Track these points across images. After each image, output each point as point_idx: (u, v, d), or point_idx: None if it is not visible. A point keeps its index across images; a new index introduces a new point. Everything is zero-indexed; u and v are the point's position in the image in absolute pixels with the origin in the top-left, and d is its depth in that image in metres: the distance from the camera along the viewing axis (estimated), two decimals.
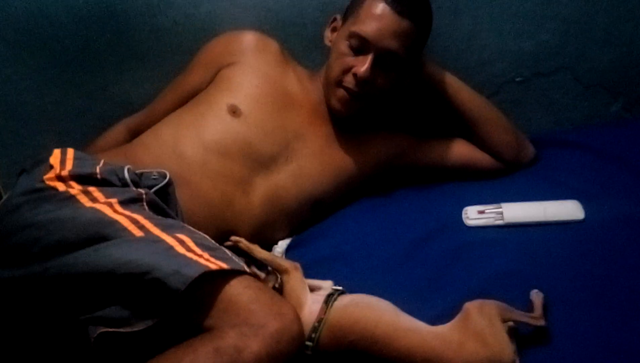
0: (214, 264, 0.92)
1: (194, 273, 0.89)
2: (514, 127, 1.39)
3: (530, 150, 1.40)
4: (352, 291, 1.10)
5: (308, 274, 1.14)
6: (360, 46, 1.23)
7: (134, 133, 1.39)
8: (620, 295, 1.07)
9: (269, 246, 1.25)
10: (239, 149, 1.24)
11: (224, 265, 0.93)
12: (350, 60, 1.25)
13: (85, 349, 0.94)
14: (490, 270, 1.13)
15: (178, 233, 0.99)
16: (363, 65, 1.22)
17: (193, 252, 0.95)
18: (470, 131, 1.38)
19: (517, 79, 1.52)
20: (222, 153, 1.23)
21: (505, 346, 0.96)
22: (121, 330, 0.90)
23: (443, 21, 1.40)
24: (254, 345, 0.87)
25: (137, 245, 0.95)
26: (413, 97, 1.44)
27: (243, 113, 1.26)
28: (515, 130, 1.39)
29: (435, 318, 1.04)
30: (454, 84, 1.35)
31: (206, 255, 0.95)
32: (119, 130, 1.46)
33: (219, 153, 1.23)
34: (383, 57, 1.23)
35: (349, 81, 1.26)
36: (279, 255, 1.25)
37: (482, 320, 0.98)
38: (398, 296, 1.10)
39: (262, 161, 1.26)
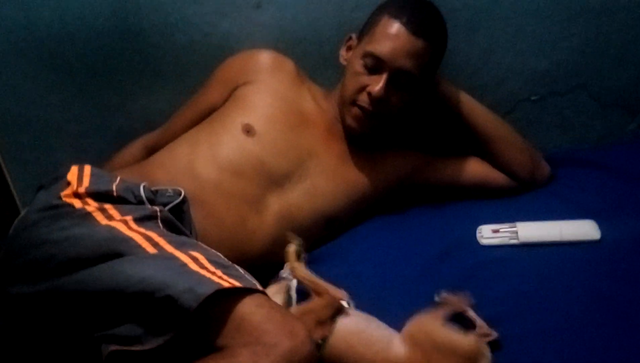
0: (227, 282, 0.92)
1: (207, 290, 0.89)
2: (530, 146, 1.39)
3: (545, 169, 1.40)
4: (363, 310, 1.11)
5: None
6: (375, 65, 1.24)
7: (151, 150, 1.40)
8: (638, 316, 1.06)
9: (281, 265, 1.25)
10: (252, 169, 1.25)
11: (237, 283, 0.93)
12: (365, 79, 1.26)
13: None
14: (505, 290, 1.12)
15: (191, 250, 0.99)
16: (377, 84, 1.23)
17: (206, 269, 0.95)
18: (484, 149, 1.38)
19: (533, 98, 1.52)
20: (236, 172, 1.24)
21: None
22: (132, 348, 0.90)
23: (459, 39, 1.40)
24: None
25: (151, 262, 0.95)
26: (427, 115, 1.44)
27: (257, 132, 1.27)
28: (530, 149, 1.38)
29: None
30: (469, 102, 1.36)
31: (219, 273, 0.95)
32: (136, 147, 1.47)
33: (233, 172, 1.24)
34: (397, 77, 1.24)
35: (363, 99, 1.27)
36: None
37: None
38: (409, 315, 1.09)
39: (275, 180, 1.27)
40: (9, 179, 1.60)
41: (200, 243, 1.07)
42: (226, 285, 0.92)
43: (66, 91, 1.48)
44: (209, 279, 0.92)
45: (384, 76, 1.23)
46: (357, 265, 1.26)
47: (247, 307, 0.93)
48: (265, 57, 1.37)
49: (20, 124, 1.51)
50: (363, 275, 1.23)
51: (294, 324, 0.94)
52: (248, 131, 1.26)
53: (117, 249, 0.97)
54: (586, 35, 1.44)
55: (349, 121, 1.31)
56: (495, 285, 1.14)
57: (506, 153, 1.36)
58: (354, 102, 1.28)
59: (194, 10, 1.39)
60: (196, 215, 1.18)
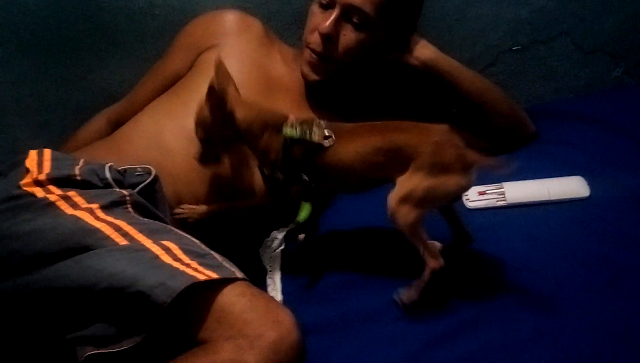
0: (202, 274, 0.88)
1: (180, 285, 0.85)
2: (515, 106, 1.34)
3: (530, 128, 1.36)
4: (345, 271, 1.10)
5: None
6: (328, 2, 1.19)
7: (115, 124, 1.34)
8: (629, 274, 1.04)
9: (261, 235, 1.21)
10: None
11: (213, 274, 0.89)
12: (319, 18, 1.20)
13: None
14: (494, 255, 1.09)
15: (165, 239, 0.94)
16: (326, 21, 1.18)
17: (180, 261, 0.90)
18: (468, 114, 1.32)
19: (515, 48, 1.47)
20: None
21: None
22: (109, 350, 0.86)
23: None
24: (251, 358, 0.83)
25: (120, 255, 0.90)
26: (404, 78, 1.37)
27: None
28: (515, 111, 1.34)
29: (436, 311, 1.01)
30: (453, 66, 1.28)
31: (194, 264, 0.90)
32: (98, 122, 1.40)
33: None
34: (349, 14, 1.18)
35: (314, 40, 1.21)
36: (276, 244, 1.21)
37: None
38: (395, 281, 1.06)
39: None
40: None
41: (174, 228, 1.02)
42: (202, 277, 0.87)
43: (19, 66, 1.39)
44: (183, 272, 0.88)
45: (334, 12, 1.17)
46: (337, 236, 1.21)
47: (227, 297, 0.89)
48: (230, 18, 1.29)
49: None
50: (343, 240, 1.20)
51: (279, 312, 0.91)
52: None
53: (83, 242, 0.92)
54: None
55: (303, 67, 1.25)
56: (484, 250, 1.10)
57: (490, 119, 1.31)
58: (307, 45, 1.23)
59: None
60: (168, 190, 1.13)
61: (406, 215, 0.97)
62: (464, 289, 1.04)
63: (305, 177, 1.03)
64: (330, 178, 1.04)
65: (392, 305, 1.03)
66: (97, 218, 0.96)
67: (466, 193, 1.22)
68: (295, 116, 1.05)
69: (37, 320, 0.94)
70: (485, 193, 1.21)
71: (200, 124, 1.06)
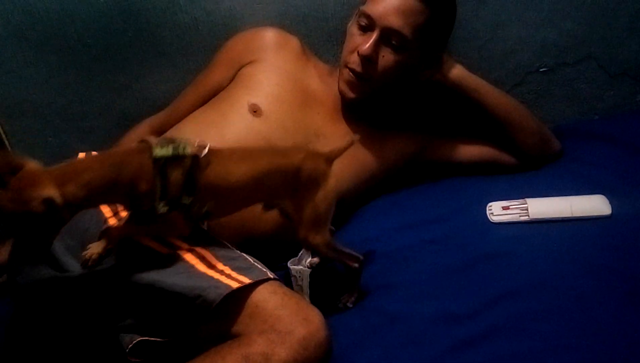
0: (235, 281, 0.94)
1: (216, 297, 0.91)
2: (540, 125, 1.37)
3: (555, 146, 1.39)
4: (372, 287, 1.13)
5: (331, 272, 1.15)
6: (367, 25, 1.23)
7: (158, 132, 1.40)
8: None
9: (290, 246, 1.25)
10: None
11: (246, 280, 0.94)
12: (358, 39, 1.24)
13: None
14: (516, 268, 1.12)
15: (199, 245, 1.00)
16: (366, 43, 1.22)
17: (214, 269, 0.96)
18: (494, 131, 1.36)
19: (542, 69, 1.50)
20: None
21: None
22: (156, 339, 0.92)
23: (467, 11, 1.38)
24: (282, 352, 0.88)
25: (159, 267, 0.97)
26: (433, 95, 1.42)
27: (264, 112, 1.25)
28: (541, 129, 1.37)
29: (459, 317, 1.05)
30: (479, 84, 1.33)
31: (227, 270, 0.96)
32: (142, 129, 1.46)
33: None
34: (388, 36, 1.21)
35: (353, 60, 1.25)
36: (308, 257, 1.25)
37: None
38: (421, 292, 1.11)
39: None
40: None
41: (207, 233, 1.07)
42: (235, 286, 0.93)
43: (68, 73, 1.46)
44: (217, 281, 0.94)
45: (374, 35, 1.21)
46: (364, 244, 1.24)
47: (260, 295, 0.95)
48: (270, 35, 1.35)
49: (24, 109, 1.49)
50: (370, 254, 1.22)
51: (309, 311, 0.95)
52: (255, 111, 1.25)
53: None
54: (595, 5, 1.42)
55: (341, 85, 1.29)
56: (507, 263, 1.14)
57: (516, 135, 1.34)
58: (346, 65, 1.27)
59: None
60: None
61: (322, 238, 1.02)
62: (487, 297, 1.07)
63: (187, 200, 0.94)
64: (216, 202, 0.99)
65: (417, 307, 1.07)
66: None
67: (490, 207, 1.26)
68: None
69: (83, 309, 1.01)
70: (509, 208, 1.24)
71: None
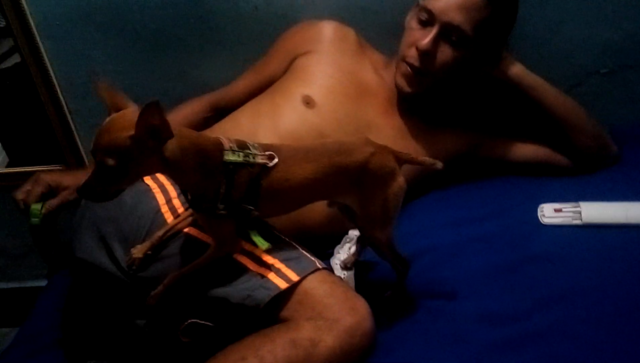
0: (284, 279, 0.97)
1: (265, 297, 0.95)
2: (598, 127, 1.34)
3: (612, 150, 1.36)
4: (417, 282, 1.13)
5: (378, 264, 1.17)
6: (428, 19, 1.22)
7: (214, 107, 1.43)
8: None
9: (340, 236, 1.26)
10: (312, 140, 1.24)
11: (294, 277, 0.97)
12: (417, 34, 1.24)
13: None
14: (566, 274, 1.11)
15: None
16: (426, 38, 1.21)
17: (265, 266, 0.99)
18: (551, 131, 1.34)
19: (602, 71, 1.46)
20: (296, 142, 1.25)
21: None
22: (207, 323, 0.96)
23: (528, 8, 1.36)
24: (329, 339, 0.91)
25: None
26: (491, 92, 1.40)
27: (317, 104, 1.26)
28: (598, 131, 1.34)
29: (503, 318, 1.05)
30: (539, 83, 1.31)
31: (277, 263, 0.99)
32: (201, 103, 1.46)
33: (293, 143, 1.25)
34: (448, 32, 1.21)
35: (411, 55, 1.25)
36: (350, 242, 1.26)
37: None
38: (466, 290, 1.12)
39: None
40: (78, 141, 1.65)
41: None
42: (283, 286, 0.96)
43: (130, 56, 1.51)
44: (266, 280, 0.97)
45: (434, 30, 1.21)
46: (414, 239, 1.26)
47: (310, 282, 0.97)
48: (327, 28, 1.36)
49: (88, 90, 1.55)
50: (420, 250, 1.23)
51: (356, 300, 0.97)
52: (308, 102, 1.26)
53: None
54: None
55: (398, 79, 1.29)
56: (556, 266, 1.13)
57: (573, 137, 1.32)
58: (404, 59, 1.27)
59: None
60: None
61: (386, 235, 1.02)
62: (533, 299, 1.07)
63: (249, 206, 0.95)
64: (276, 203, 0.99)
65: (462, 305, 1.08)
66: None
67: (542, 209, 1.25)
68: (229, 137, 0.99)
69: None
70: (562, 211, 1.23)
71: (109, 149, 0.86)
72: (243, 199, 0.94)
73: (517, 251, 1.18)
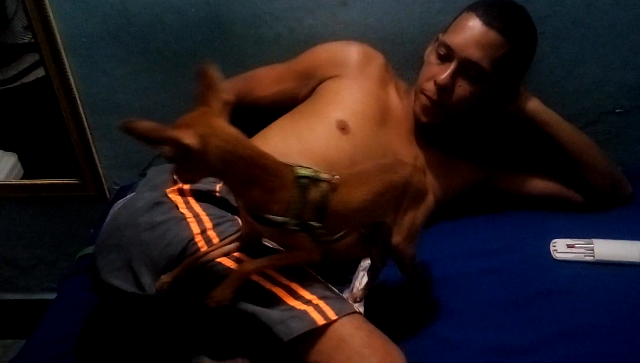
0: (321, 315, 0.93)
1: (300, 328, 0.91)
2: (613, 166, 1.35)
3: (627, 189, 1.37)
4: (427, 311, 1.13)
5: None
6: (446, 54, 1.24)
7: (239, 100, 1.41)
8: None
9: (355, 264, 1.26)
10: (343, 167, 1.23)
11: (332, 316, 0.93)
12: (436, 68, 1.26)
13: None
14: (577, 310, 1.11)
15: (286, 277, 0.99)
16: (444, 73, 1.23)
17: (302, 300, 0.95)
18: (565, 167, 1.36)
19: (618, 111, 1.48)
20: (329, 169, 1.25)
21: None
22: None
23: (546, 46, 1.38)
24: None
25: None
26: (508, 126, 1.42)
27: (351, 131, 1.26)
28: (613, 170, 1.35)
29: (512, 351, 1.05)
30: (555, 119, 1.32)
31: (315, 300, 0.95)
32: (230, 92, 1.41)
33: (325, 169, 1.25)
34: (466, 68, 1.22)
35: (429, 88, 1.26)
36: (364, 272, 1.25)
37: None
38: (476, 321, 1.12)
39: None
40: (95, 156, 1.68)
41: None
42: (321, 322, 0.92)
43: (152, 76, 1.54)
44: (304, 312, 0.93)
45: (452, 65, 1.23)
46: (423, 269, 1.25)
47: (346, 328, 0.94)
48: (356, 51, 1.36)
49: (109, 106, 1.59)
50: (429, 281, 1.22)
51: (395, 352, 0.94)
52: (343, 128, 1.26)
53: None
54: None
55: (417, 109, 1.31)
56: (567, 301, 1.13)
57: (587, 174, 1.33)
58: (422, 91, 1.28)
59: (281, 5, 1.41)
60: None
61: (411, 250, 1.03)
62: (543, 334, 1.07)
63: (316, 223, 0.93)
64: (336, 226, 0.98)
65: (471, 336, 1.08)
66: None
67: (555, 244, 1.25)
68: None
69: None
70: (574, 247, 1.23)
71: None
72: (313, 215, 0.93)
73: (529, 285, 1.18)
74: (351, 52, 1.36)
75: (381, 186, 0.99)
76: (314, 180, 0.93)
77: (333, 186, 0.94)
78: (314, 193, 0.92)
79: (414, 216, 1.02)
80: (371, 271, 1.16)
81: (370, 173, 1.01)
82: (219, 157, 0.86)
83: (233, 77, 1.45)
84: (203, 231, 1.04)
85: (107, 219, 1.19)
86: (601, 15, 1.37)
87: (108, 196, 1.76)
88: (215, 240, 1.03)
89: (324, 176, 0.94)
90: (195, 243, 1.02)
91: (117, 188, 1.71)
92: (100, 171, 1.70)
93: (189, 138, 0.83)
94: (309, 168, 0.95)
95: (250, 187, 0.90)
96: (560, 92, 1.44)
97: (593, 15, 1.37)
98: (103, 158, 1.69)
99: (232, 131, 0.89)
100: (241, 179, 0.89)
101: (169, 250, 1.01)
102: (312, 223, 0.92)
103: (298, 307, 0.94)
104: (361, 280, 1.19)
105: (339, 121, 1.26)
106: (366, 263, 1.23)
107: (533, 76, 1.37)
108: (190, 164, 0.86)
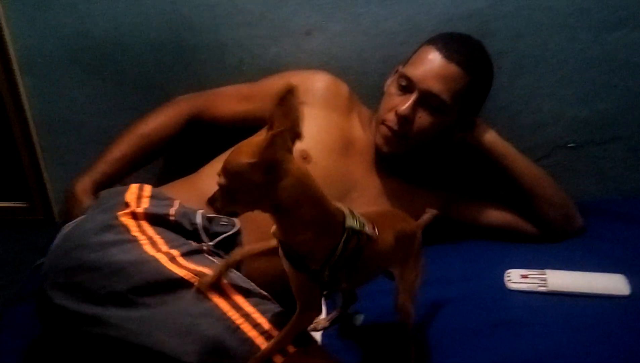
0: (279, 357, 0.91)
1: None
2: (565, 198, 1.39)
3: (578, 222, 1.40)
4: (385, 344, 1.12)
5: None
6: (407, 86, 1.26)
7: (194, 118, 1.40)
8: None
9: None
10: None
11: (291, 348, 0.91)
12: (397, 99, 1.28)
13: None
14: (533, 340, 1.12)
15: (244, 296, 0.97)
16: (405, 104, 1.25)
17: (259, 328, 0.93)
18: (518, 199, 1.39)
19: (570, 145, 1.53)
20: None
21: None
22: None
23: (503, 81, 1.43)
24: None
25: (201, 321, 0.94)
26: (463, 156, 1.45)
27: (313, 160, 1.26)
28: (565, 202, 1.39)
29: None
30: (510, 152, 1.36)
31: (271, 329, 0.93)
32: (180, 112, 1.41)
33: None
34: (426, 99, 1.25)
35: (390, 118, 1.28)
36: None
37: None
38: (435, 351, 1.12)
39: None
40: (46, 179, 1.64)
41: (251, 284, 1.04)
42: (278, 361, 0.90)
43: (112, 100, 1.52)
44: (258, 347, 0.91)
45: (413, 97, 1.25)
46: (380, 297, 1.23)
47: (303, 359, 0.91)
48: (323, 80, 1.37)
49: (65, 128, 1.55)
50: (386, 311, 1.21)
51: None
52: (304, 157, 1.25)
53: (166, 287, 0.97)
54: (629, 88, 1.46)
55: (378, 139, 1.32)
56: (523, 331, 1.14)
57: (540, 206, 1.37)
58: (383, 122, 1.30)
59: (246, 33, 1.42)
60: (249, 239, 1.17)
61: (413, 310, 1.01)
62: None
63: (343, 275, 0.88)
64: (360, 275, 0.93)
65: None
66: (179, 265, 1.01)
67: (509, 274, 1.27)
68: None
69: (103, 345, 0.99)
70: (528, 277, 1.25)
71: (225, 167, 0.82)
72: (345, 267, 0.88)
73: (485, 315, 1.19)
74: (318, 81, 1.37)
75: (399, 233, 0.96)
76: (359, 234, 0.87)
77: (371, 240, 0.90)
78: (352, 244, 0.87)
79: (417, 275, 1.01)
80: (343, 305, 1.15)
81: (387, 219, 0.98)
82: (290, 194, 0.80)
83: (193, 92, 1.44)
84: (172, 259, 1.02)
85: (55, 242, 1.15)
86: (556, 52, 1.42)
87: (57, 220, 1.70)
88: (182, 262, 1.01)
89: (369, 231, 0.89)
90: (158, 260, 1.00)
91: None
92: (51, 194, 1.65)
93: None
94: (354, 215, 0.89)
95: (305, 230, 0.83)
96: (516, 126, 1.48)
97: (549, 52, 1.42)
98: (54, 180, 1.64)
99: (304, 167, 0.85)
100: (300, 220, 0.83)
101: (120, 272, 0.99)
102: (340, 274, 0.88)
103: (253, 340, 0.92)
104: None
105: (301, 151, 1.25)
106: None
107: (490, 110, 1.41)
108: (245, 194, 0.81)
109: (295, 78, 1.37)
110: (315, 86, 1.36)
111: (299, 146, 1.23)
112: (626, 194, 1.57)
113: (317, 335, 1.13)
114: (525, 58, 1.43)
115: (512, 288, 1.25)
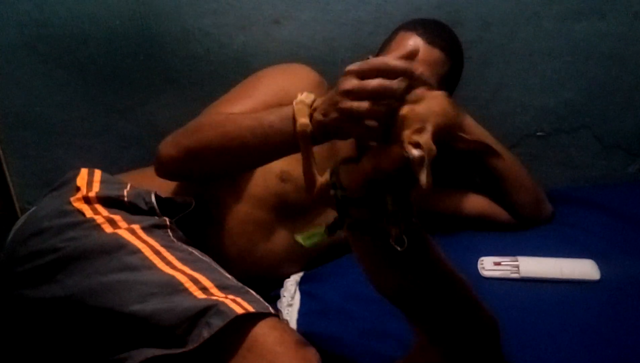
0: (240, 306, 0.92)
1: (220, 322, 0.89)
2: (535, 185, 1.40)
3: (548, 208, 1.41)
4: (363, 331, 1.11)
5: (323, 313, 1.15)
6: None
7: None
8: (636, 359, 1.06)
9: (280, 281, 1.26)
10: (275, 203, 1.25)
11: (250, 308, 0.93)
12: None
13: None
14: (504, 325, 1.11)
15: (202, 272, 0.98)
16: None
17: (217, 296, 0.94)
18: (491, 185, 1.39)
19: (538, 134, 1.54)
20: (259, 204, 1.24)
21: None
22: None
23: (472, 70, 1.43)
24: None
25: (156, 292, 0.94)
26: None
27: (292, 179, 1.23)
28: (536, 189, 1.40)
29: None
30: (484, 136, 1.36)
31: (232, 296, 0.95)
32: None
33: (255, 203, 1.24)
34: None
35: None
36: (292, 288, 1.24)
37: None
38: (410, 340, 1.10)
39: (293, 213, 1.26)
40: (7, 173, 1.58)
41: (211, 261, 1.06)
42: (239, 311, 0.91)
43: (74, 90, 1.47)
44: (223, 304, 0.92)
45: None
46: (356, 286, 1.23)
47: (260, 329, 0.93)
48: (307, 72, 1.28)
49: (25, 120, 1.50)
50: (361, 297, 1.20)
51: (307, 349, 0.94)
52: (283, 179, 1.23)
53: (123, 260, 0.97)
54: (595, 77, 1.48)
55: None
56: (498, 318, 1.14)
57: (513, 192, 1.37)
58: None
59: (212, 21, 1.39)
60: (212, 234, 1.19)
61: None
62: None
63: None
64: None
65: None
66: (139, 237, 1.01)
67: (482, 262, 1.28)
68: None
69: (72, 329, 0.97)
70: (501, 264, 1.26)
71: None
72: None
73: None
74: (305, 74, 1.27)
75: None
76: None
77: None
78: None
79: None
80: None
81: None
82: None
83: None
84: (132, 231, 1.01)
85: (9, 236, 1.12)
86: (524, 42, 1.44)
87: (19, 216, 1.65)
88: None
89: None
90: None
91: (30, 207, 1.61)
92: (12, 189, 1.60)
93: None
94: None
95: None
96: (486, 115, 1.48)
97: (516, 42, 1.43)
98: (15, 175, 1.59)
99: None
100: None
101: (82, 254, 0.98)
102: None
103: (212, 299, 0.92)
104: (294, 294, 1.17)
105: (282, 171, 1.23)
106: (295, 277, 1.23)
107: (460, 99, 1.40)
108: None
109: (287, 72, 1.29)
110: (309, 78, 1.27)
111: (281, 166, 1.21)
112: (594, 181, 1.60)
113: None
114: (494, 48, 1.44)
115: (485, 276, 1.25)
